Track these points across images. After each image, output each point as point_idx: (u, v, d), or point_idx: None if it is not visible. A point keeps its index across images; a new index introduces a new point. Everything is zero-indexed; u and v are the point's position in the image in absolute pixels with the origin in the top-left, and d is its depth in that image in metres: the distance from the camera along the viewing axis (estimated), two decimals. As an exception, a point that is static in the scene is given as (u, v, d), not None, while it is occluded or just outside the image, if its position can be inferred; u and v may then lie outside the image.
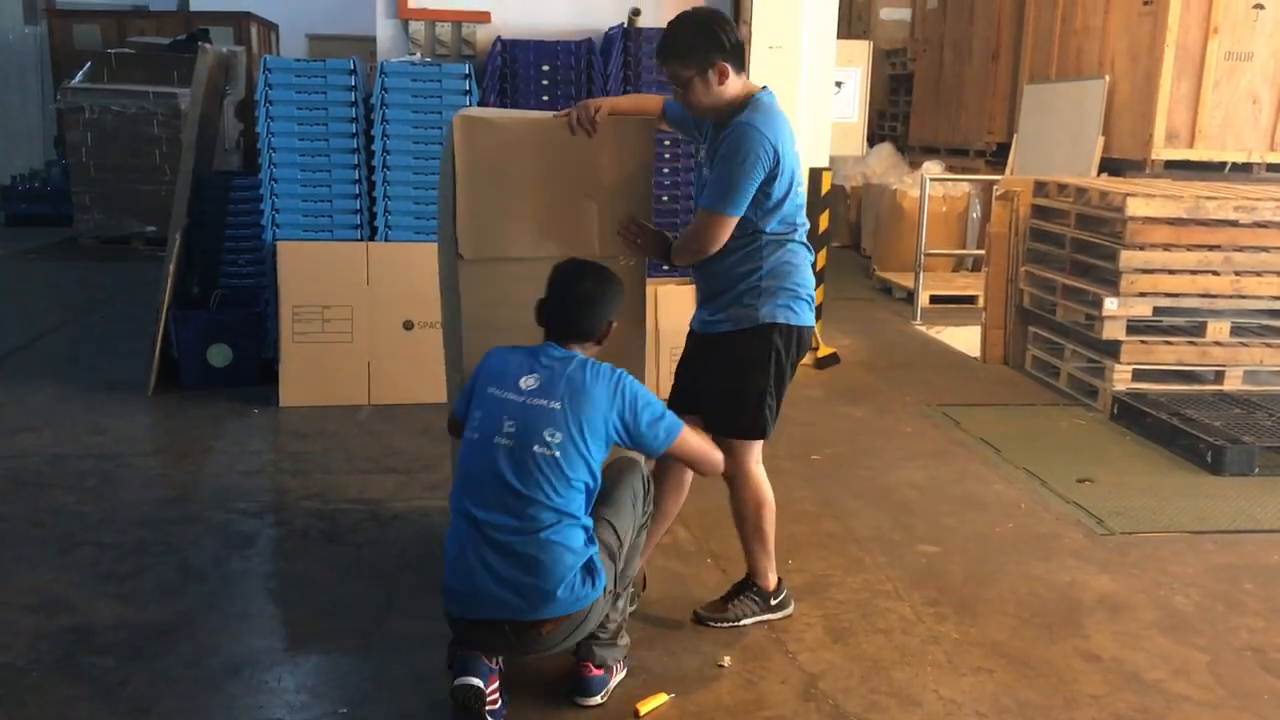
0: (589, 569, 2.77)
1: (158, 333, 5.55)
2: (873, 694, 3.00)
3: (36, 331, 6.84)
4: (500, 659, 2.83)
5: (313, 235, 5.46)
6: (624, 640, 3.00)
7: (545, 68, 5.94)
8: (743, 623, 3.33)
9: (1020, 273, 6.62)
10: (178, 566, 3.66)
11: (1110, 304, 5.66)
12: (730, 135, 3.01)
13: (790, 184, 3.09)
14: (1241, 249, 5.69)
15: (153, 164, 9.78)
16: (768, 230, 3.10)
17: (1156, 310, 5.72)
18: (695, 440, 2.97)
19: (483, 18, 6.21)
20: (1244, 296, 5.71)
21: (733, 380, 3.18)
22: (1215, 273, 5.67)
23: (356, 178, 5.47)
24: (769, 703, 2.95)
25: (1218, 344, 5.74)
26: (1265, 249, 5.69)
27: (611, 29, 6.12)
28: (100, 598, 3.41)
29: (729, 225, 3.05)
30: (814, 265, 3.32)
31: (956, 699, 2.99)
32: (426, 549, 3.81)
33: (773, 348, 3.14)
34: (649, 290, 3.59)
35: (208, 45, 6.82)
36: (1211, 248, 5.68)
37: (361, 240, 5.48)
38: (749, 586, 3.39)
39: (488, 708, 2.73)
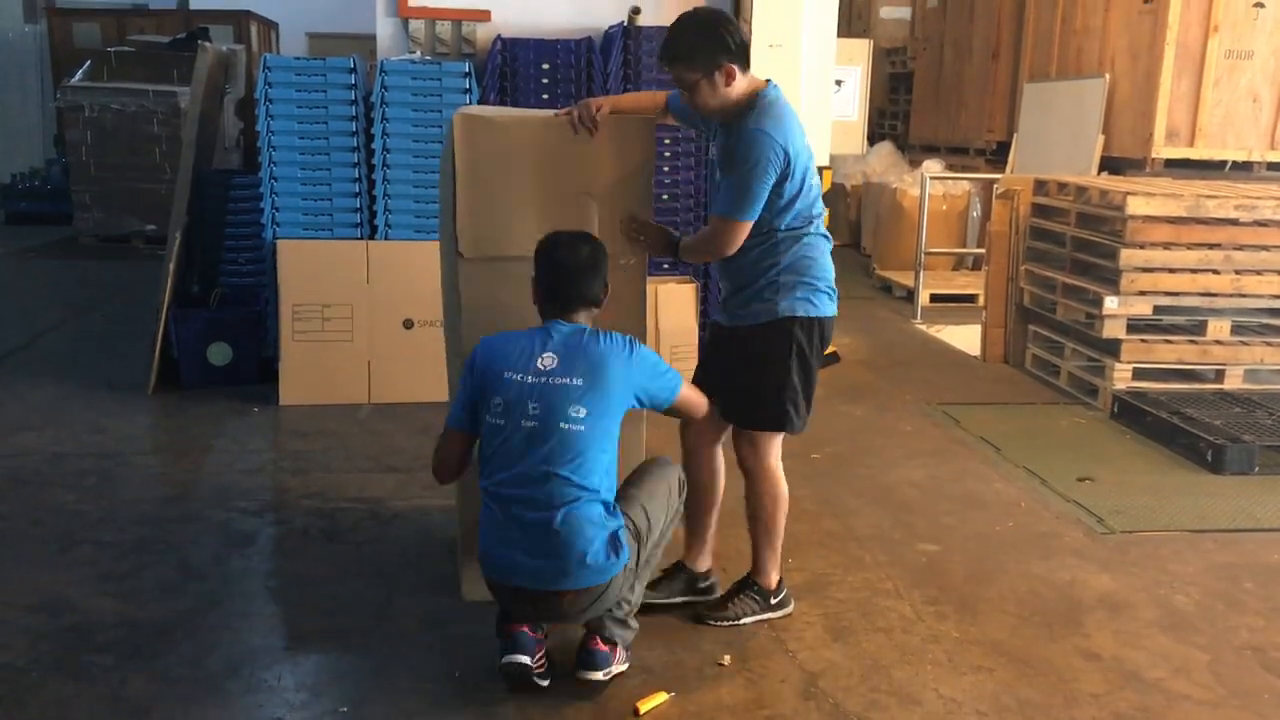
0: (614, 541, 2.86)
1: (158, 331, 5.55)
2: (873, 693, 3.00)
3: (36, 330, 6.84)
4: (543, 629, 2.95)
5: (313, 234, 5.45)
6: (634, 624, 3.05)
7: (545, 66, 5.94)
8: (743, 621, 3.34)
9: (1020, 271, 6.62)
10: (177, 565, 3.66)
11: (1110, 303, 5.66)
12: (741, 141, 3.04)
13: (803, 180, 3.11)
14: (1242, 247, 5.69)
15: (153, 162, 9.78)
16: (783, 227, 3.13)
17: (1157, 309, 5.72)
18: (688, 390, 3.11)
19: (483, 16, 6.21)
20: (1244, 295, 5.71)
21: (753, 374, 3.22)
22: (1216, 271, 5.67)
23: (356, 176, 5.47)
24: (769, 702, 2.95)
25: (1218, 343, 5.74)
26: (1265, 248, 5.69)
27: (611, 28, 6.12)
28: (100, 596, 3.41)
29: (743, 230, 3.09)
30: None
31: (957, 697, 2.99)
32: (426, 548, 3.81)
33: (793, 341, 3.18)
34: (649, 289, 3.59)
35: (207, 44, 6.82)
36: (1212, 246, 5.67)
37: (361, 239, 5.48)
38: (749, 585, 3.39)
39: (536, 672, 2.88)
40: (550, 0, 6.25)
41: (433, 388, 4.60)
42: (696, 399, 3.13)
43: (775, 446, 3.30)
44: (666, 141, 5.91)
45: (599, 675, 2.92)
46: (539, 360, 2.87)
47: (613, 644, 2.96)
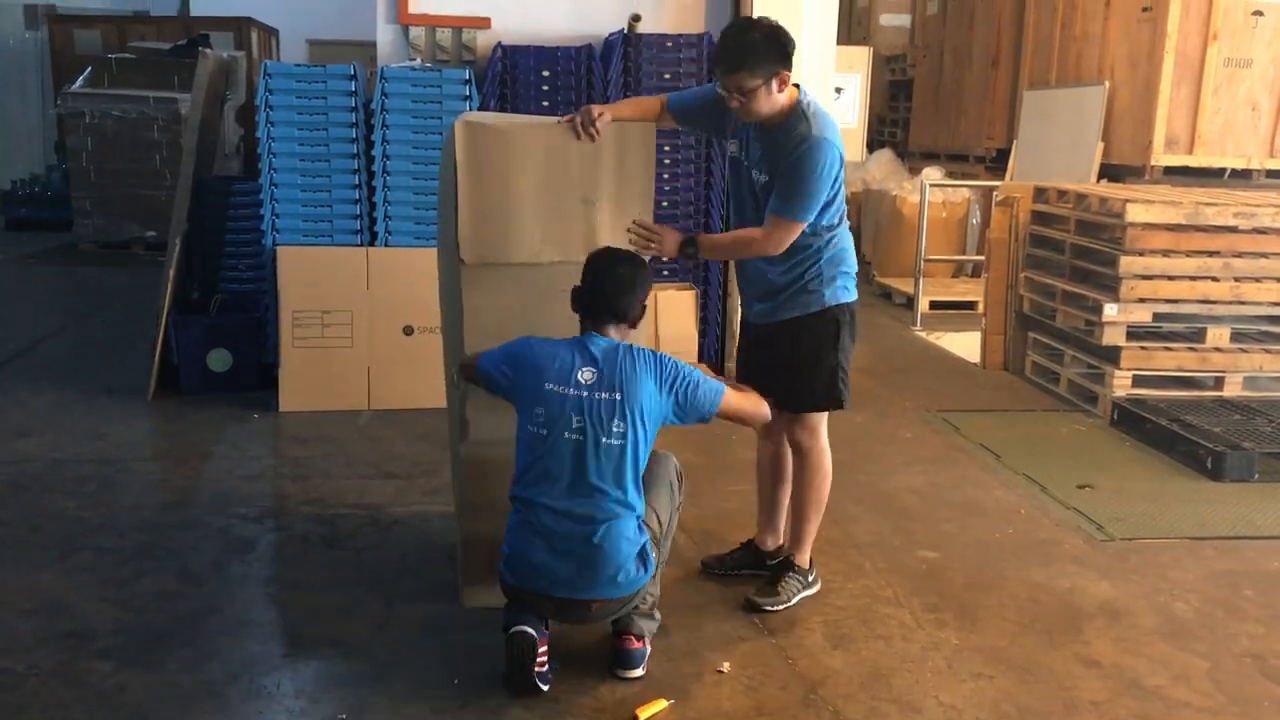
0: (643, 556, 2.95)
1: (157, 337, 5.55)
2: (873, 700, 3.00)
3: (37, 336, 6.84)
4: (549, 625, 2.98)
5: (313, 240, 5.46)
6: (658, 616, 3.13)
7: (545, 73, 5.95)
8: (793, 602, 3.47)
9: (1020, 278, 6.62)
10: (177, 571, 3.65)
11: (1110, 310, 5.66)
12: (801, 148, 3.15)
13: (841, 178, 3.27)
14: (1241, 255, 5.70)
15: (153, 169, 9.78)
16: (825, 223, 3.29)
17: (1156, 316, 5.73)
18: (738, 397, 3.17)
19: (483, 23, 6.21)
20: (1243, 302, 5.72)
21: (808, 360, 3.40)
22: (1215, 278, 5.68)
23: (356, 183, 5.47)
24: (769, 709, 2.94)
25: (1217, 350, 5.75)
26: (1264, 255, 5.70)
27: (612, 35, 6.13)
28: (99, 602, 3.41)
29: (798, 230, 3.25)
30: None
31: (957, 705, 2.98)
32: (426, 554, 3.81)
33: (840, 325, 3.41)
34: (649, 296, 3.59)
35: (208, 50, 6.83)
36: (1211, 254, 5.68)
37: (361, 245, 5.48)
38: (790, 567, 3.53)
39: (537, 669, 2.88)
40: (551, 7, 6.26)
41: (432, 394, 4.60)
42: (749, 406, 3.21)
43: (825, 426, 3.51)
44: (666, 149, 5.91)
45: (638, 673, 3.01)
46: (579, 374, 2.93)
47: (642, 638, 3.04)
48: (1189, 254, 5.68)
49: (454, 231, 3.26)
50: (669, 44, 5.97)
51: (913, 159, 11.33)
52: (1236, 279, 5.69)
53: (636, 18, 6.15)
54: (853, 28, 12.19)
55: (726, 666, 3.13)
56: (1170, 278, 5.67)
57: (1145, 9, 7.70)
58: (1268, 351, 5.79)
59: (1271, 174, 7.75)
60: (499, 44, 6.01)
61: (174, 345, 5.56)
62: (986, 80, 10.10)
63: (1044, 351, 6.43)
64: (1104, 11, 8.19)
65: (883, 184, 10.46)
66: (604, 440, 2.89)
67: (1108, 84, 8.03)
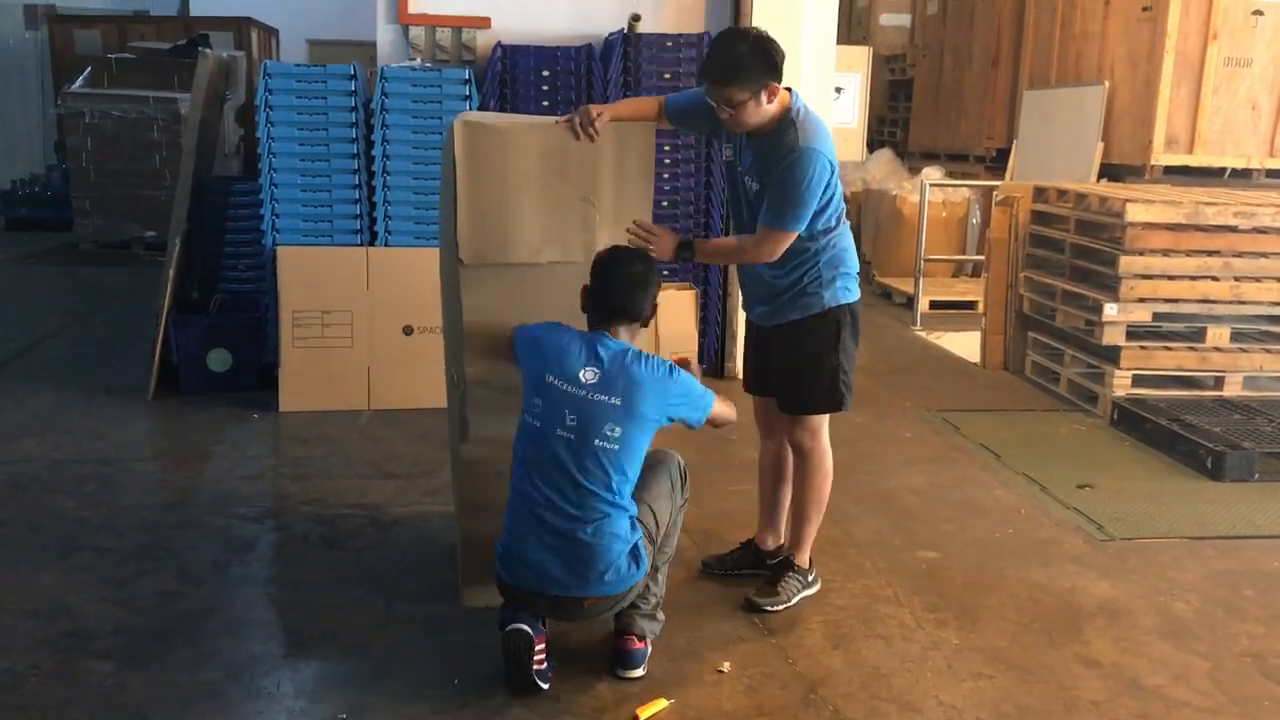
0: (635, 554, 2.94)
1: (157, 337, 5.55)
2: (873, 700, 3.00)
3: (37, 336, 6.84)
4: (545, 624, 2.98)
5: (313, 240, 5.46)
6: (661, 617, 3.14)
7: (545, 73, 5.95)
8: (794, 602, 3.46)
9: (1020, 278, 6.62)
10: (177, 571, 3.65)
11: (1110, 309, 5.66)
12: (789, 157, 3.14)
13: (835, 182, 3.25)
14: (1241, 254, 5.70)
15: (153, 169, 9.78)
16: (821, 227, 3.29)
17: (1156, 316, 5.73)
18: (720, 406, 3.17)
19: (483, 23, 6.22)
20: (1243, 302, 5.72)
21: (809, 362, 3.42)
22: (1215, 278, 5.68)
23: (356, 183, 5.47)
24: (769, 709, 2.94)
25: (1217, 349, 5.75)
26: (1264, 254, 5.70)
27: (611, 35, 6.13)
28: (99, 602, 3.41)
29: (790, 239, 3.24)
30: None
31: (957, 705, 2.98)
32: (426, 554, 3.81)
33: (841, 327, 3.42)
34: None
35: (208, 50, 6.83)
36: (1211, 253, 5.68)
37: (361, 245, 5.48)
38: (790, 567, 3.53)
39: (535, 667, 2.87)
40: (550, 7, 6.26)
41: (432, 394, 4.60)
42: (727, 413, 3.22)
43: (827, 426, 3.52)
44: (666, 149, 5.91)
45: (638, 673, 3.01)
46: (582, 373, 2.93)
47: (644, 638, 3.04)
48: (1189, 253, 5.69)
49: (454, 231, 3.26)
50: (669, 44, 5.98)
51: (913, 159, 11.33)
52: (1236, 278, 5.69)
53: (636, 17, 6.15)
54: (852, 27, 12.19)
55: (727, 666, 3.13)
56: (1170, 277, 5.67)
57: (1145, 8, 7.70)
58: (1268, 351, 5.79)
59: (1271, 173, 7.75)
60: (499, 44, 6.01)
61: (174, 345, 5.56)
62: (986, 80, 10.10)
63: (1044, 351, 6.43)
64: (1104, 11, 8.19)
65: (883, 184, 10.46)
66: (598, 442, 2.88)
67: (1107, 83, 8.03)
